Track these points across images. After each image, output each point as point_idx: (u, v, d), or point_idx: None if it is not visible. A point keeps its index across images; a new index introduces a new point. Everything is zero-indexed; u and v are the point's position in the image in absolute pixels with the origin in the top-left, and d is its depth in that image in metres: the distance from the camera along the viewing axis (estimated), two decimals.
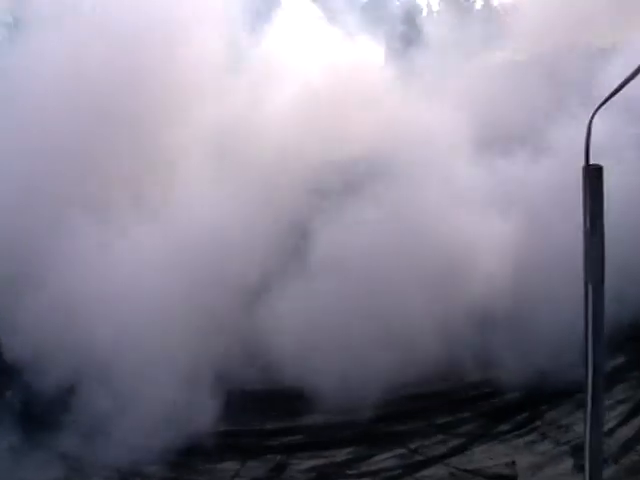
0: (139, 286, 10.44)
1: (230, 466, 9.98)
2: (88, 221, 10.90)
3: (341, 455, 10.07)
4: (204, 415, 9.93)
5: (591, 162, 4.54)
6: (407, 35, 16.96)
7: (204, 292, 10.43)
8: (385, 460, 9.92)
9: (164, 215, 11.19)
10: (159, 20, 11.76)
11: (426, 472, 9.66)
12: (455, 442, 10.16)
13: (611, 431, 9.76)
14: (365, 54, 13.80)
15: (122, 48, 11.41)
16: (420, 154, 11.39)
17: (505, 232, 11.27)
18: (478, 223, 11.31)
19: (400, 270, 10.76)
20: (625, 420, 10.16)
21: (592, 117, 4.45)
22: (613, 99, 4.54)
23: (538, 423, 10.39)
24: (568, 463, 9.52)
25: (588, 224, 4.48)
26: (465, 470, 9.60)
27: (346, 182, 11.88)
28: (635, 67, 4.40)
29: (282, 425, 10.75)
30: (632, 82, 4.50)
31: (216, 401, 10.06)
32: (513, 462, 9.61)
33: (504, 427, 10.37)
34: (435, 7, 32.43)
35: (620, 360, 11.01)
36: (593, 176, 4.59)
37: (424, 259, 10.73)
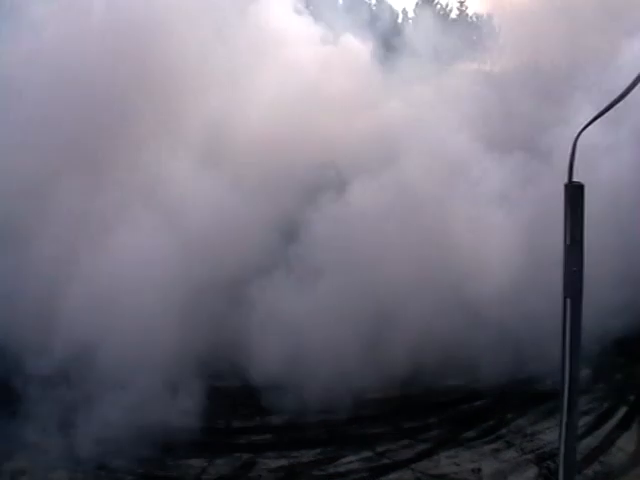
0: (136, 280, 10.44)
1: (198, 463, 9.95)
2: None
3: (309, 455, 10.12)
4: (178, 409, 9.91)
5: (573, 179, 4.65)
6: (386, 39, 17.14)
7: (193, 287, 10.44)
8: (352, 462, 9.97)
9: (162, 210, 11.19)
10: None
11: (392, 476, 9.73)
12: (421, 447, 10.24)
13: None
14: (353, 53, 13.94)
15: (121, 39, 11.41)
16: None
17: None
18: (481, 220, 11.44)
19: (390, 266, 10.89)
20: (589, 431, 10.34)
21: (577, 136, 4.56)
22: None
23: (504, 431, 10.52)
24: (532, 471, 9.70)
25: (568, 240, 4.58)
26: (431, 475, 9.67)
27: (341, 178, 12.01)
28: (620, 91, 4.51)
29: (250, 424, 10.74)
30: None
31: (193, 395, 10.03)
32: (479, 469, 9.72)
33: (470, 434, 10.47)
34: (410, 13, 32.79)
35: (585, 372, 11.16)
36: (574, 193, 4.69)
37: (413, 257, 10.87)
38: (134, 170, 11.52)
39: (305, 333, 10.54)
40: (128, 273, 10.52)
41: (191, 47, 12.03)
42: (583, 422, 10.35)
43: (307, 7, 15.69)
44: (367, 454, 10.14)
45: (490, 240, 11.32)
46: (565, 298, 4.61)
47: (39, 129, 11.26)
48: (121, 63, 11.37)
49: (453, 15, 35.06)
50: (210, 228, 10.92)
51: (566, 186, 4.68)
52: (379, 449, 10.21)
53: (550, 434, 10.26)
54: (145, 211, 11.14)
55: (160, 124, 11.80)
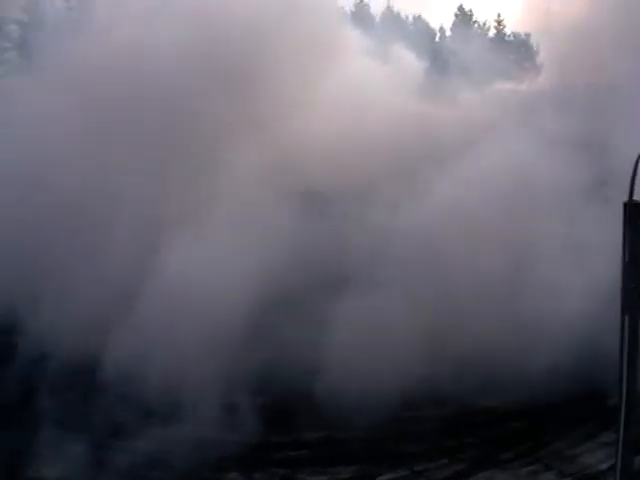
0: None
1: (236, 477, 10.00)
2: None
3: (346, 472, 10.11)
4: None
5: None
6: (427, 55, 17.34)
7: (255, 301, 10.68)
8: None
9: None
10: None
11: None
12: (459, 467, 10.18)
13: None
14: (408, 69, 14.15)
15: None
16: None
17: None
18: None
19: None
20: None
21: (639, 157, 4.60)
22: None
23: (542, 453, 10.41)
24: None
25: (627, 257, 4.61)
26: None
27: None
28: None
29: (288, 439, 10.77)
30: None
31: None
32: None
33: (508, 455, 10.39)
34: (448, 32, 32.93)
35: None
36: (633, 211, 4.73)
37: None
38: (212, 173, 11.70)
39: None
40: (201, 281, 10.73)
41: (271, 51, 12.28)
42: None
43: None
44: (404, 472, 10.10)
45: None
46: (623, 315, 4.64)
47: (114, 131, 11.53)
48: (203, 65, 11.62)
49: (490, 34, 35.20)
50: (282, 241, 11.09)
51: (625, 205, 4.72)
52: (416, 468, 10.16)
53: (589, 457, 10.17)
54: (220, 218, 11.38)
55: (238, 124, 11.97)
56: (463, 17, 35.69)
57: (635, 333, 4.61)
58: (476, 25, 35.93)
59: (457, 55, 16.66)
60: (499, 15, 34.96)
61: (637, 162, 4.51)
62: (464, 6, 36.14)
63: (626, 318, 4.60)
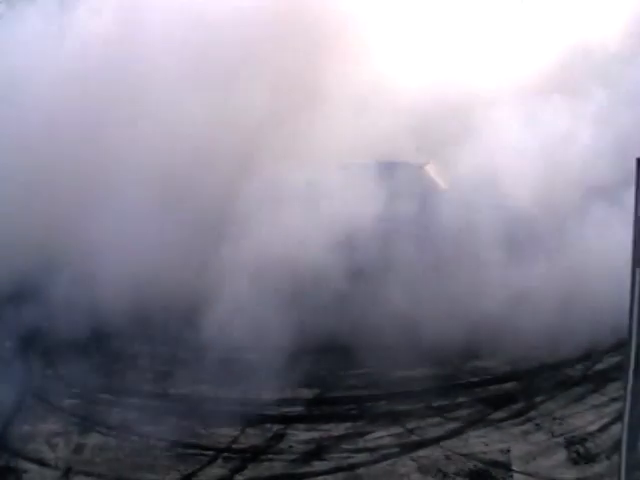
0: None
1: (229, 432, 10.01)
2: None
3: (339, 429, 10.15)
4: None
5: None
6: None
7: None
8: (382, 438, 10.00)
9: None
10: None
11: (422, 452, 9.73)
12: (451, 426, 10.26)
13: (605, 427, 9.93)
14: None
15: None
16: None
17: None
18: None
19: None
20: (619, 417, 10.29)
21: None
22: None
23: (533, 413, 10.51)
24: (562, 455, 9.65)
25: (639, 211, 4.58)
26: (460, 454, 9.70)
27: None
28: None
29: (281, 396, 10.80)
30: None
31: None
32: (508, 450, 9.74)
33: (500, 414, 10.48)
34: None
35: (615, 359, 11.17)
36: None
37: None
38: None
39: None
40: None
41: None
42: (613, 408, 10.34)
43: None
44: (397, 430, 10.16)
45: None
46: (634, 268, 4.62)
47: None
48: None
49: None
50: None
51: (638, 160, 4.68)
52: (409, 426, 10.22)
53: (580, 418, 10.28)
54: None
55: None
56: None
57: None
58: None
59: None
60: None
61: None
62: None
63: (637, 271, 4.59)
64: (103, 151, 12.42)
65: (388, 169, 12.84)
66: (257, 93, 12.33)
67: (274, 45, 12.34)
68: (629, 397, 4.91)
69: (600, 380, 11.06)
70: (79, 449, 9.74)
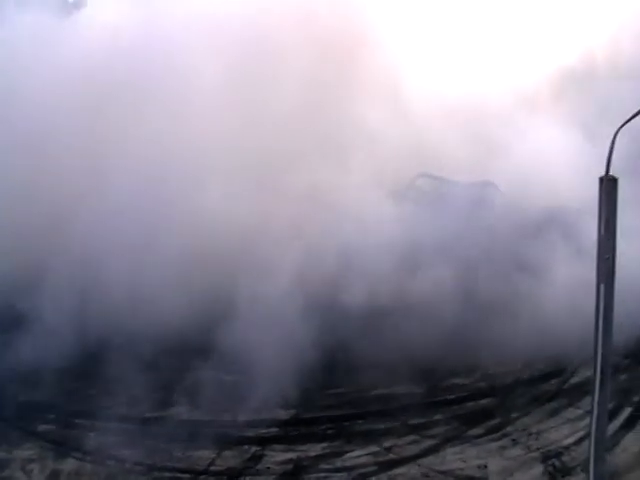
0: None
1: (206, 454, 9.97)
2: None
3: (316, 449, 10.15)
4: None
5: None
6: None
7: None
8: (360, 457, 10.01)
9: None
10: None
11: (399, 470, 9.75)
12: (428, 443, 10.28)
13: (580, 441, 9.99)
14: None
15: None
16: None
17: None
18: None
19: None
20: None
21: (616, 133, 4.67)
22: None
23: (509, 429, 10.56)
24: (538, 469, 9.71)
25: (602, 229, 4.69)
26: (437, 471, 9.72)
27: None
28: None
29: (257, 417, 10.77)
30: None
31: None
32: (485, 465, 9.78)
33: (476, 431, 10.52)
34: None
35: (589, 373, 11.26)
36: (609, 186, 4.81)
37: None
38: None
39: None
40: None
41: None
42: (587, 422, 10.40)
43: None
44: (374, 449, 10.17)
45: None
46: (598, 284, 4.72)
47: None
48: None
49: None
50: None
51: (601, 179, 4.80)
52: (386, 444, 10.23)
53: (555, 433, 10.35)
54: None
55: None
56: None
57: (610, 302, 4.70)
58: None
59: None
60: None
61: (614, 139, 4.57)
62: None
63: (601, 287, 4.69)
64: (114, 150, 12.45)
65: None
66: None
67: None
68: (595, 409, 4.94)
69: (575, 394, 11.14)
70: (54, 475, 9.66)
